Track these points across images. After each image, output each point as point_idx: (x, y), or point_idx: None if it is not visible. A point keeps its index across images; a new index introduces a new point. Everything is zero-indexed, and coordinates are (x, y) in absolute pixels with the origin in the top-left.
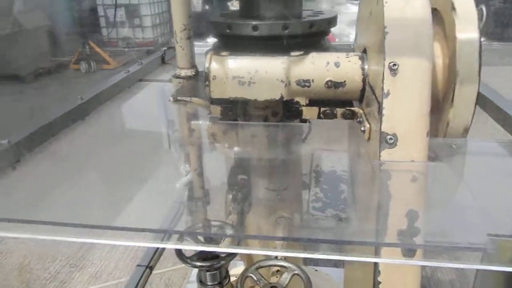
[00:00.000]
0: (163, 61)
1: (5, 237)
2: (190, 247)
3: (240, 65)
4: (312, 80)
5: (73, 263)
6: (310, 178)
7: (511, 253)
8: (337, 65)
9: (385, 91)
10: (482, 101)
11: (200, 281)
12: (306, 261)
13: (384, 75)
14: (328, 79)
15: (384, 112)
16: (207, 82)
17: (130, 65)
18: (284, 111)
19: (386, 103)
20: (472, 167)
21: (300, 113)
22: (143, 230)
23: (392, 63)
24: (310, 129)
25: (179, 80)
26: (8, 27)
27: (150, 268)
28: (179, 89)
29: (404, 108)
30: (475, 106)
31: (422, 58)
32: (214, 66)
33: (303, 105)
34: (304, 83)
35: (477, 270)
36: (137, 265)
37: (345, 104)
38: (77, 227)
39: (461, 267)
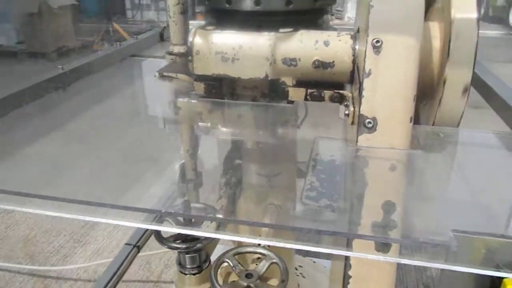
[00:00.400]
0: (161, 38)
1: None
2: (167, 229)
3: (224, 40)
4: (299, 59)
5: (77, 239)
6: (308, 166)
7: (480, 252)
8: (326, 44)
9: (367, 70)
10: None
11: (180, 264)
12: (305, 252)
13: (367, 53)
14: (315, 58)
15: (364, 93)
16: (190, 57)
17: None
18: (270, 91)
19: (366, 83)
20: (458, 158)
21: (286, 94)
22: (125, 208)
23: (375, 40)
24: (306, 114)
25: (172, 57)
26: (36, 6)
27: (138, 247)
28: (167, 65)
29: (386, 90)
30: (468, 93)
31: (410, 35)
32: (197, 40)
33: (290, 86)
34: (291, 61)
35: (442, 270)
36: (126, 244)
37: (335, 86)
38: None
39: (426, 265)
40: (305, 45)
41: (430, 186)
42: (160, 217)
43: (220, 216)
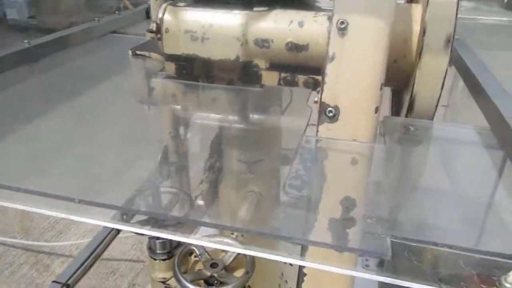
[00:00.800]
0: (147, 15)
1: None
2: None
3: (193, 18)
4: (272, 41)
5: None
6: (296, 153)
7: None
8: (300, 24)
9: (330, 54)
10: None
11: (150, 249)
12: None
13: (331, 36)
14: (289, 40)
15: (326, 79)
16: (159, 35)
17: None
18: (242, 74)
19: (330, 68)
20: (422, 153)
21: (259, 77)
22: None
23: (340, 21)
24: (291, 99)
25: (153, 35)
26: None
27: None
28: (141, 44)
29: (350, 77)
30: (443, 82)
31: (378, 17)
32: (167, 17)
33: (263, 69)
34: (263, 43)
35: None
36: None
37: (312, 71)
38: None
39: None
40: (278, 25)
41: (383, 185)
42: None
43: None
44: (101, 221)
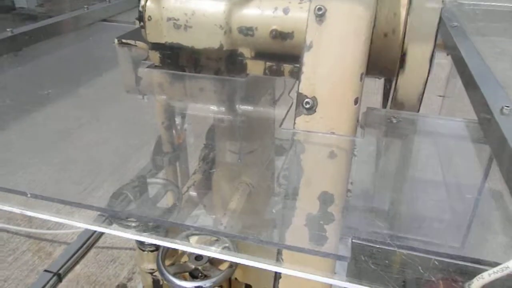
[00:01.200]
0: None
1: None
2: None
3: (176, 5)
4: (256, 28)
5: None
6: (292, 144)
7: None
8: (286, 11)
9: (308, 42)
10: None
11: (138, 240)
12: None
13: (308, 23)
14: (273, 27)
15: (303, 69)
16: (141, 23)
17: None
18: (227, 63)
19: (307, 57)
20: (400, 147)
21: (244, 67)
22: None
23: (318, 7)
24: (285, 89)
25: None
26: None
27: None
28: (127, 32)
29: (328, 66)
30: (429, 71)
31: (359, 3)
32: (149, 5)
33: (248, 58)
34: (247, 31)
35: None
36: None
37: (297, 60)
38: None
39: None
40: (262, 12)
41: (357, 181)
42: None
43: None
44: (84, 223)
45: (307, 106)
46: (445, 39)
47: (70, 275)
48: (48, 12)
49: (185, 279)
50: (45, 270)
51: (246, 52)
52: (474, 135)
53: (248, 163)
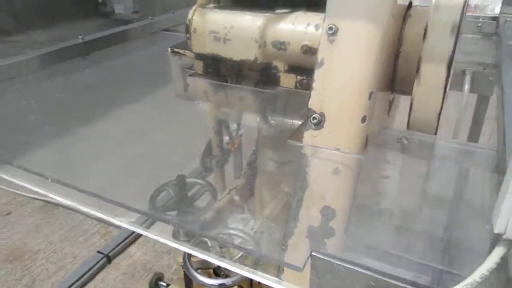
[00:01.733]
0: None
1: None
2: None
3: (217, 19)
4: (288, 43)
5: None
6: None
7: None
8: (317, 28)
9: (319, 60)
10: None
11: (174, 235)
12: None
13: (321, 41)
14: (304, 43)
15: (314, 85)
16: (187, 35)
17: None
18: (261, 75)
19: (318, 74)
20: (403, 168)
21: (277, 79)
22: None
23: (330, 26)
24: None
25: None
26: None
27: None
28: (180, 42)
29: (338, 84)
30: (444, 93)
31: (370, 22)
32: (196, 18)
33: (281, 71)
34: (280, 45)
35: None
36: None
37: None
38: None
39: None
40: (295, 28)
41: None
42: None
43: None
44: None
45: (315, 121)
46: (499, 58)
47: (129, 261)
48: (141, 18)
49: (209, 275)
50: (98, 252)
51: (280, 65)
52: (487, 162)
53: (288, 173)
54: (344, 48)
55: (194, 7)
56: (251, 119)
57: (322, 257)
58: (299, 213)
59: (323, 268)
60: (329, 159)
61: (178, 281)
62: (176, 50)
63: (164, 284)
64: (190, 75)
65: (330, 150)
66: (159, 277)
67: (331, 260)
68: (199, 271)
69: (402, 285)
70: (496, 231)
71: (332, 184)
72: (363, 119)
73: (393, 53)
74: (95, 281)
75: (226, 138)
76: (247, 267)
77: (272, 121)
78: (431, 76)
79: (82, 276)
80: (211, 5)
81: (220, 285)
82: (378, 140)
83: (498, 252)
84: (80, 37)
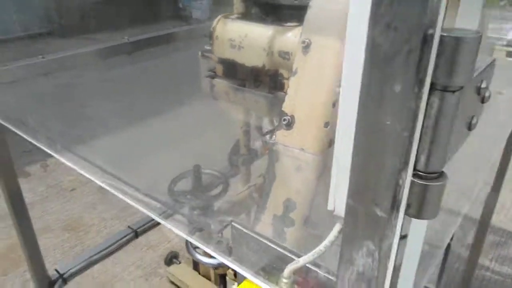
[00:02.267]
0: None
1: None
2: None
3: (234, 28)
4: (291, 53)
5: None
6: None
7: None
8: None
9: (294, 69)
10: None
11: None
12: None
13: (297, 52)
14: None
15: (288, 90)
16: (211, 41)
17: None
18: (270, 81)
19: (292, 81)
20: None
21: (283, 86)
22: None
23: (304, 40)
24: None
25: None
26: None
27: None
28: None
29: (307, 92)
30: None
31: (337, 40)
32: (218, 26)
33: (286, 79)
34: (285, 55)
35: None
36: None
37: None
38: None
39: None
40: (298, 40)
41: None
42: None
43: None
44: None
45: (285, 122)
46: None
47: (167, 245)
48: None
49: (209, 256)
50: (128, 226)
51: (285, 73)
52: None
53: None
54: (314, 60)
55: (219, 17)
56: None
57: (238, 226)
58: (266, 202)
59: (238, 236)
60: (294, 157)
61: (189, 260)
62: (205, 54)
63: (178, 262)
64: (207, 76)
65: (296, 149)
66: (174, 255)
67: (245, 230)
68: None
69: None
70: (329, 208)
71: (295, 180)
72: (326, 124)
73: None
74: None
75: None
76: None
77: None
78: None
79: (110, 246)
80: (234, 16)
81: (218, 264)
82: None
83: (336, 228)
84: (125, 37)
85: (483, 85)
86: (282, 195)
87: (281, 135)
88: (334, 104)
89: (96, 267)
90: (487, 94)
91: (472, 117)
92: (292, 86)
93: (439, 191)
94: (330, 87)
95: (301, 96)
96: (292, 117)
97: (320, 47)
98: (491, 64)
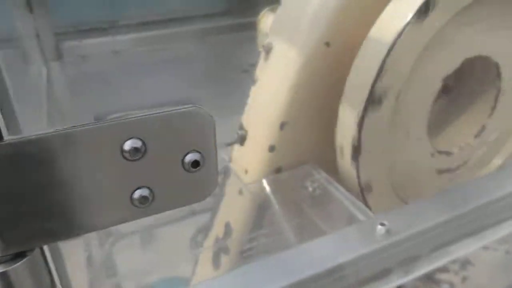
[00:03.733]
0: None
1: None
2: None
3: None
4: None
5: None
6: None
7: None
8: None
9: (255, 76)
10: None
11: None
12: None
13: (260, 57)
14: None
15: (248, 100)
16: (257, 33)
17: None
18: None
19: (251, 91)
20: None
21: None
22: None
23: (266, 43)
24: None
25: None
26: None
27: None
28: None
29: (260, 106)
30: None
31: (292, 47)
32: (262, 19)
33: None
34: None
35: None
36: None
37: None
38: None
39: None
40: None
41: None
42: None
43: None
44: None
45: (238, 136)
46: None
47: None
48: None
49: None
50: None
51: None
52: None
53: None
54: (272, 70)
55: (264, 10)
56: None
57: None
58: (213, 220)
59: None
60: (238, 178)
61: None
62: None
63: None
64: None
65: (241, 170)
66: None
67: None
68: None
69: None
70: None
71: (235, 204)
72: (271, 149)
73: (335, 90)
74: None
75: None
76: None
77: None
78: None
79: None
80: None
81: None
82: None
83: None
84: None
85: None
86: (223, 217)
87: (236, 149)
88: (283, 126)
89: None
90: None
91: None
92: (251, 96)
93: None
94: (280, 104)
95: (255, 110)
96: (246, 132)
97: (280, 55)
98: None
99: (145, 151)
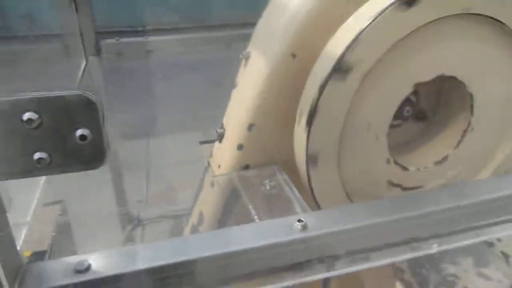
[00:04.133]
0: None
1: None
2: None
3: None
4: None
5: None
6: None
7: None
8: None
9: (236, 80)
10: None
11: None
12: None
13: (241, 64)
14: None
15: (229, 102)
16: None
17: None
18: None
19: (232, 93)
20: None
21: None
22: None
23: (247, 52)
24: None
25: None
26: None
27: None
28: None
29: (235, 108)
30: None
31: (262, 57)
32: None
33: None
34: None
35: None
36: None
37: None
38: None
39: None
40: None
41: None
42: None
43: None
44: None
45: (217, 134)
46: None
47: None
48: None
49: None
50: None
51: None
52: None
53: None
54: (248, 76)
55: None
56: None
57: None
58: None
59: None
60: (214, 171)
61: None
62: None
63: None
64: None
65: (216, 164)
66: None
67: None
68: None
69: None
70: None
71: (208, 194)
72: (239, 147)
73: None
74: None
75: None
76: None
77: None
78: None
79: None
80: None
81: None
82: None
83: None
84: None
85: None
86: (199, 207)
87: (216, 145)
88: (251, 128)
89: None
90: None
91: None
92: (231, 98)
93: None
94: (249, 107)
95: (232, 111)
96: (224, 130)
97: (252, 63)
98: None
99: (41, 123)
